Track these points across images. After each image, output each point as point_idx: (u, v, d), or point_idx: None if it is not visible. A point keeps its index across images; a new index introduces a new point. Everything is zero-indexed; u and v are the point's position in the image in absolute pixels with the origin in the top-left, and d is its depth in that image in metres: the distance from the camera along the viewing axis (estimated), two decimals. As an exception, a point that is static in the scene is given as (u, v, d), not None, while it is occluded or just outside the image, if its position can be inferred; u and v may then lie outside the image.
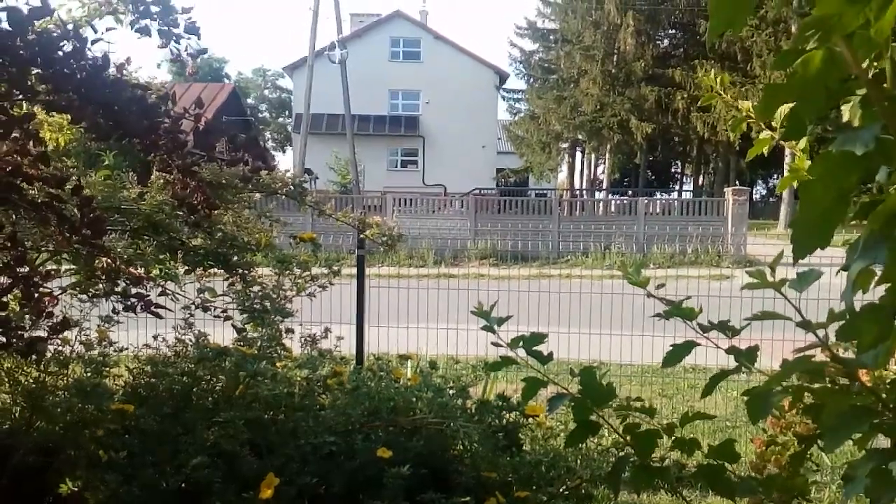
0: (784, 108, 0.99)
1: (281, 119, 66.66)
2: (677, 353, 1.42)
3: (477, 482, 2.83)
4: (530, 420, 3.19)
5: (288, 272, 3.53)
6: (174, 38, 2.50)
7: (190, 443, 2.60)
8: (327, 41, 31.72)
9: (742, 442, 4.89)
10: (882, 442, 1.07)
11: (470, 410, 3.12)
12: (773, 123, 1.92)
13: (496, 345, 1.76)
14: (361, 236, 4.26)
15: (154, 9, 2.45)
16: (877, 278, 0.85)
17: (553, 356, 1.76)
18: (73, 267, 3.14)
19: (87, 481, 2.38)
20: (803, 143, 1.79)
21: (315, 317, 4.22)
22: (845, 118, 1.36)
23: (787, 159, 2.43)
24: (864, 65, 0.82)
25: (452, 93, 38.55)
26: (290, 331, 3.44)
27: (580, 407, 1.56)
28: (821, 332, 1.05)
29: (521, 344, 1.69)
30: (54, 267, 3.14)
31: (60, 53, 2.19)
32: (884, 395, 1.00)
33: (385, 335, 6.06)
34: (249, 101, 60.53)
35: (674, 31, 39.61)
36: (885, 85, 0.86)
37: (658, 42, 38.73)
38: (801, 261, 0.87)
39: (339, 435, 2.78)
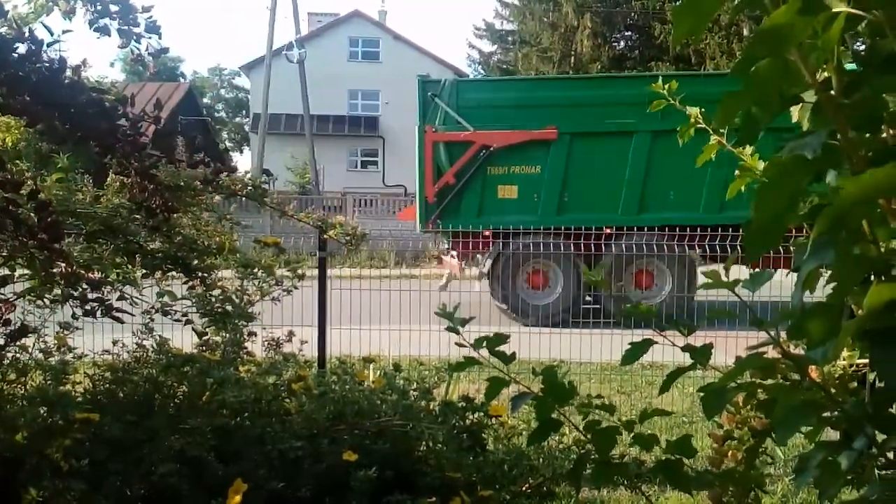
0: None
1: (238, 119, 65.81)
2: (635, 352, 1.46)
3: (442, 482, 2.85)
4: (493, 420, 3.22)
5: (252, 276, 3.51)
6: (134, 37, 2.46)
7: (154, 450, 2.57)
8: (285, 40, 31.46)
9: (699, 437, 5.00)
10: (832, 434, 1.12)
11: (434, 412, 3.14)
12: (720, 129, 1.99)
13: (460, 345, 1.79)
14: (324, 237, 4.25)
15: (113, 7, 2.41)
16: (825, 278, 0.90)
17: (515, 356, 1.79)
18: (27, 272, 3.08)
19: (53, 491, 2.34)
20: (749, 147, 1.86)
21: (276, 319, 4.19)
22: (794, 119, 1.42)
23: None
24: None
25: (412, 93, 38.33)
26: (252, 334, 3.42)
27: (543, 405, 1.59)
28: (773, 331, 1.09)
29: (484, 344, 1.71)
30: (8, 272, 3.07)
31: (15, 55, 2.15)
32: (832, 391, 1.05)
33: (347, 337, 6.04)
34: (205, 100, 59.60)
35: (629, 33, 40.15)
36: (831, 92, 0.91)
37: (614, 44, 39.22)
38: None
39: (306, 439, 2.78)
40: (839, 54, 0.90)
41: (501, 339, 1.71)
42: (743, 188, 2.00)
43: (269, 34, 29.58)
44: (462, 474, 2.90)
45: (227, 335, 3.24)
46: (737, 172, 2.01)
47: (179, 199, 3.40)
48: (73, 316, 3.05)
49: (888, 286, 0.78)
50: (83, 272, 2.73)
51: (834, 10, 0.79)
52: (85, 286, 2.83)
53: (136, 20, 2.44)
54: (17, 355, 3.05)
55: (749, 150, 1.98)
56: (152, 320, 3.37)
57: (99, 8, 2.43)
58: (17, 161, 3.59)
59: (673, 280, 11.00)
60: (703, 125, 2.24)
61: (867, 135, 0.92)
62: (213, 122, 51.26)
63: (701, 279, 10.18)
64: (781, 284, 1.97)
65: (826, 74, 0.91)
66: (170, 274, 3.50)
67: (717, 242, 6.18)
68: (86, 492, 2.39)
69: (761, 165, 1.97)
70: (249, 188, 3.94)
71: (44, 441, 2.52)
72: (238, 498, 2.38)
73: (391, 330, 6.43)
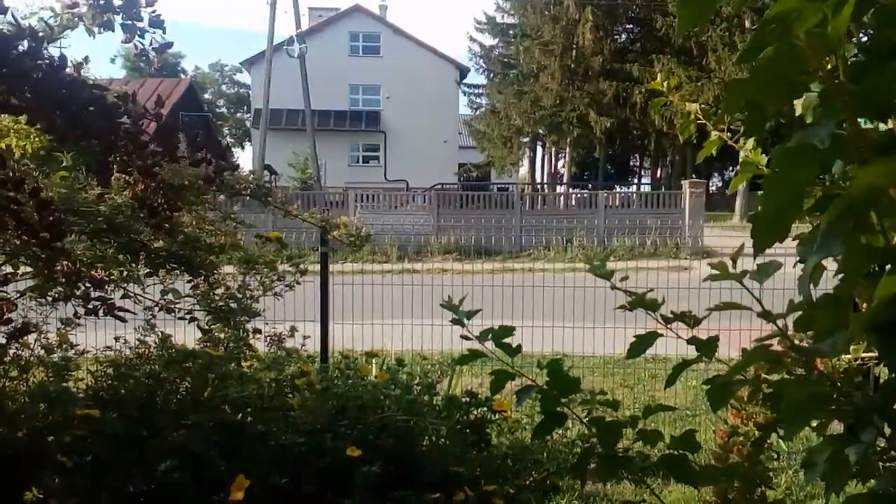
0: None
1: (239, 114, 65.76)
2: (641, 344, 1.45)
3: (445, 477, 2.85)
4: (497, 415, 3.22)
5: (254, 272, 3.50)
6: (138, 32, 2.44)
7: (157, 446, 2.57)
8: (286, 35, 31.43)
9: (702, 430, 4.99)
10: (836, 427, 1.11)
11: (438, 407, 3.13)
12: (720, 125, 1.97)
13: (465, 338, 1.78)
14: (328, 237, 4.23)
15: (117, 2, 2.39)
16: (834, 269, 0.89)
17: (521, 349, 1.78)
18: (30, 270, 3.07)
19: (55, 488, 2.34)
20: (751, 141, 1.84)
21: (278, 314, 4.19)
22: (798, 113, 1.40)
23: (741, 156, 2.46)
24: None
25: (413, 88, 38.51)
26: (257, 331, 3.42)
27: (548, 398, 1.59)
28: (780, 323, 1.08)
29: (489, 337, 1.71)
30: (10, 270, 3.07)
31: (15, 52, 2.14)
32: (838, 384, 1.04)
33: (350, 332, 6.04)
34: (207, 96, 59.53)
35: (631, 25, 40.03)
36: (838, 80, 0.90)
37: (616, 37, 39.11)
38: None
39: (308, 434, 2.78)
40: (845, 43, 0.89)
41: (506, 331, 1.70)
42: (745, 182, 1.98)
43: (269, 29, 29.55)
44: (466, 469, 2.90)
45: (231, 331, 3.23)
46: (738, 167, 1.99)
47: (182, 198, 3.39)
48: (76, 315, 3.04)
49: (898, 278, 0.77)
50: (86, 270, 2.72)
51: (845, -7, 0.78)
52: (87, 284, 2.83)
53: (139, 14, 2.42)
54: (19, 352, 3.05)
55: (750, 143, 1.96)
56: (154, 317, 3.37)
57: (102, 3, 2.41)
58: (22, 158, 3.58)
59: None
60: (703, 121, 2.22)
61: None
62: (214, 117, 51.23)
63: None
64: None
65: (831, 65, 0.90)
66: (174, 272, 3.49)
67: None
68: (88, 488, 2.39)
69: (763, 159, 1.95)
70: (253, 187, 3.93)
71: (45, 438, 2.52)
72: (240, 494, 2.37)
73: (394, 324, 6.43)
